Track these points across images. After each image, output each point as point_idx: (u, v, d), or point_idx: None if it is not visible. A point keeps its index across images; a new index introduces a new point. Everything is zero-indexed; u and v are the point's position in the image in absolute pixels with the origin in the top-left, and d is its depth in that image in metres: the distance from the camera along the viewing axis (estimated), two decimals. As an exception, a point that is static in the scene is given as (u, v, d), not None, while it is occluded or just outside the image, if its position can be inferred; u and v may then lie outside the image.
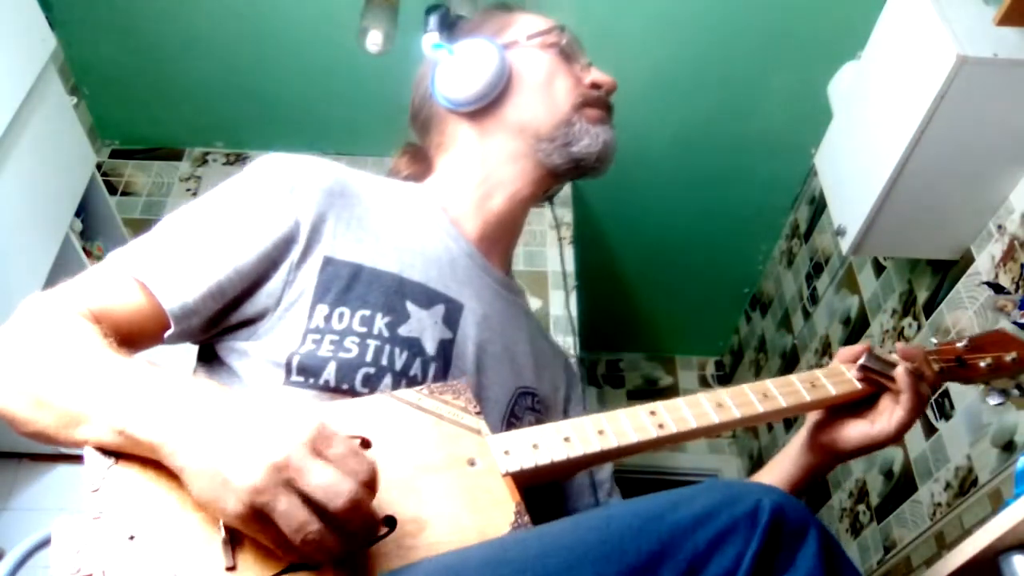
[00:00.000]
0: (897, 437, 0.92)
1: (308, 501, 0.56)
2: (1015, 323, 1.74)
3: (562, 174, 1.01)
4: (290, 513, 0.56)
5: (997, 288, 1.82)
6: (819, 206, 2.77)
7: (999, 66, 1.59)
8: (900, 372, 0.92)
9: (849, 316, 2.57)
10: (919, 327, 2.16)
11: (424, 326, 0.86)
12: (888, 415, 0.92)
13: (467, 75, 0.97)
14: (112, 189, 2.79)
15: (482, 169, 0.99)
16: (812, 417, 0.96)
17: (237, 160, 2.96)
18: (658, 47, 2.53)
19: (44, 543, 0.75)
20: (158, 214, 2.83)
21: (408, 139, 1.10)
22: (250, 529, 0.58)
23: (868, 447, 0.93)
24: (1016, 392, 1.04)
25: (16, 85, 1.94)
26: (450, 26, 1.03)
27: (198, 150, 2.97)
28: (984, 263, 1.89)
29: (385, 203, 0.94)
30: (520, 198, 0.99)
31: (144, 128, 2.92)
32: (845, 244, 1.97)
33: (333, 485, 0.57)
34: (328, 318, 0.82)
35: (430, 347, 0.86)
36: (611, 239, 3.15)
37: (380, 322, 0.83)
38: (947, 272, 2.04)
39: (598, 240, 3.10)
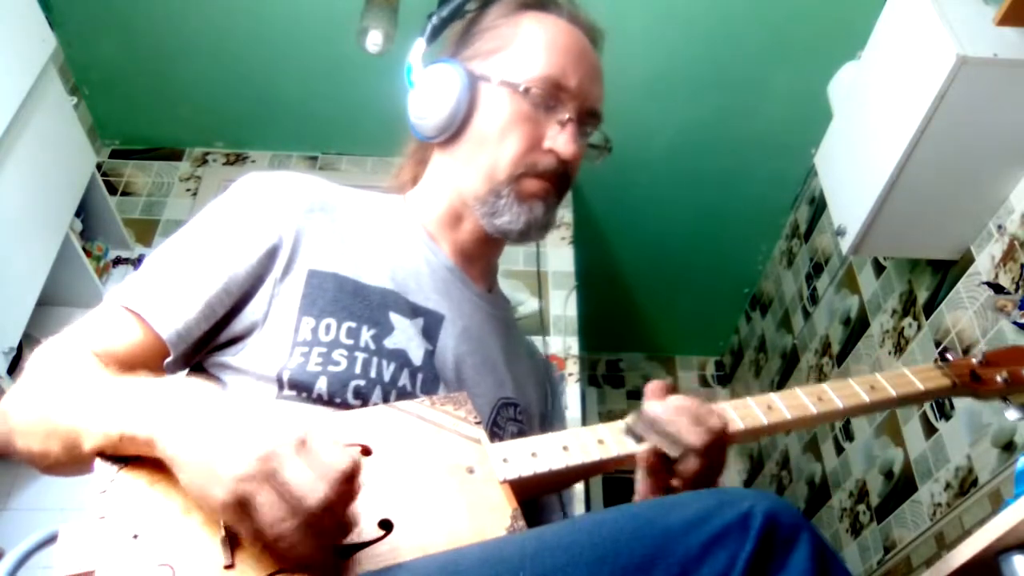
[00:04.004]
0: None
1: (284, 497, 0.57)
2: (1015, 323, 1.74)
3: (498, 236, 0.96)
4: (267, 507, 0.57)
5: (997, 288, 1.82)
6: (819, 206, 2.77)
7: (999, 66, 1.59)
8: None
9: (849, 316, 2.57)
10: (919, 327, 2.16)
11: (409, 337, 0.87)
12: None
13: (424, 108, 0.94)
14: (112, 189, 2.79)
15: (450, 193, 0.96)
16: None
17: (237, 160, 2.96)
18: (659, 47, 2.53)
19: (44, 543, 0.75)
20: (158, 214, 2.84)
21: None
22: (231, 518, 0.59)
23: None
24: None
25: (16, 85, 1.94)
26: (466, 12, 0.98)
27: (198, 150, 2.98)
28: (984, 263, 1.89)
29: (365, 217, 0.94)
30: (483, 232, 0.95)
31: (144, 128, 2.92)
32: (845, 244, 1.97)
33: (308, 483, 0.57)
34: (315, 330, 0.83)
35: (416, 358, 0.87)
36: (611, 239, 3.15)
37: (366, 335, 0.84)
38: (947, 272, 2.04)
39: (598, 240, 3.10)
